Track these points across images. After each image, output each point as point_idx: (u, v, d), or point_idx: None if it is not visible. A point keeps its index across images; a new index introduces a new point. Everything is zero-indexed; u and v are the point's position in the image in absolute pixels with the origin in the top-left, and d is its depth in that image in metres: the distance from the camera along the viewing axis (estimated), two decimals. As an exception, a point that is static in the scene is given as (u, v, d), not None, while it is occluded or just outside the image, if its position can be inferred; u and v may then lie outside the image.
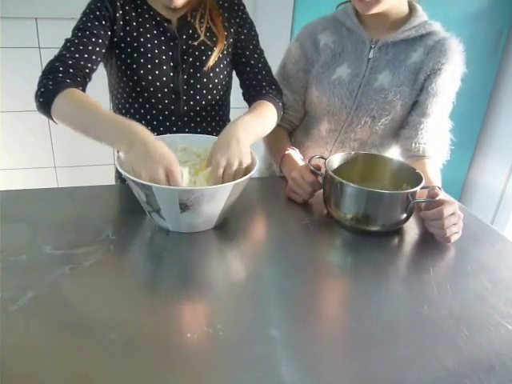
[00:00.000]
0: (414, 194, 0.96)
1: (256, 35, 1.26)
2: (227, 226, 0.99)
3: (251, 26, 1.25)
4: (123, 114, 1.24)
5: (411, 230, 1.03)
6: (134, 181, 0.86)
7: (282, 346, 0.67)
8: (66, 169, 2.36)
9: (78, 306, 0.73)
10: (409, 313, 0.76)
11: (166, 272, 0.84)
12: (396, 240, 1.00)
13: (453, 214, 0.94)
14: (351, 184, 0.96)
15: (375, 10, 1.10)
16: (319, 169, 1.07)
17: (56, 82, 1.01)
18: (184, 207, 0.87)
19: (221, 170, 0.93)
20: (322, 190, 1.07)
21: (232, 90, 1.35)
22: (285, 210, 1.09)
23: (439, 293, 0.81)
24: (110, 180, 1.44)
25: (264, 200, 1.17)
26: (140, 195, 0.91)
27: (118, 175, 1.39)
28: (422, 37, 1.17)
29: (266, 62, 1.26)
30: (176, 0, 1.07)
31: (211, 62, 1.19)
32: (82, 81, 1.06)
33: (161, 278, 0.82)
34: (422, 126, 1.18)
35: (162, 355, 0.64)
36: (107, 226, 0.95)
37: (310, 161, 1.09)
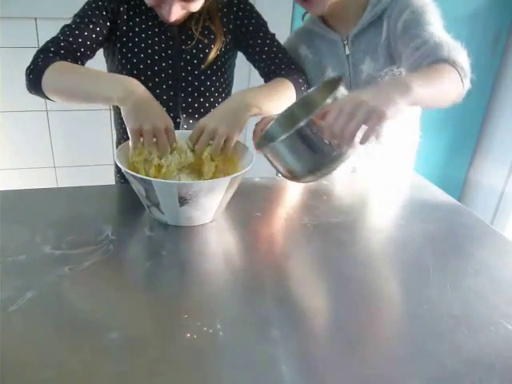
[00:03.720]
0: (308, 124, 0.80)
1: (264, 23, 1.23)
2: (225, 220, 1.00)
3: (257, 16, 1.23)
4: None
5: (410, 229, 1.02)
6: (133, 176, 0.87)
7: (282, 346, 0.67)
8: (65, 169, 2.36)
9: (78, 306, 0.73)
10: (408, 312, 0.76)
11: (165, 271, 0.84)
12: (395, 239, 0.99)
13: (349, 104, 0.75)
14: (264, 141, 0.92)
15: (326, 9, 1.10)
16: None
17: (45, 58, 1.02)
18: (183, 201, 0.89)
19: (203, 136, 0.95)
20: None
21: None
22: (282, 207, 1.09)
23: (439, 292, 0.81)
24: (110, 180, 1.44)
25: (264, 198, 1.16)
26: (139, 190, 0.92)
27: (118, 170, 1.39)
28: (385, 10, 1.12)
29: (279, 45, 1.23)
30: (171, 18, 1.07)
31: (209, 60, 1.19)
32: (71, 61, 1.06)
33: (160, 278, 0.82)
34: (413, 49, 1.02)
35: (161, 355, 0.64)
36: (107, 226, 0.95)
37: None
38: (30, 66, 1.03)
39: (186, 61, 1.19)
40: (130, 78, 0.95)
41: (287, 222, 1.04)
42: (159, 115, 0.92)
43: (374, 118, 0.73)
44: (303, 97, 1.04)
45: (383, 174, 1.34)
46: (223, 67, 1.25)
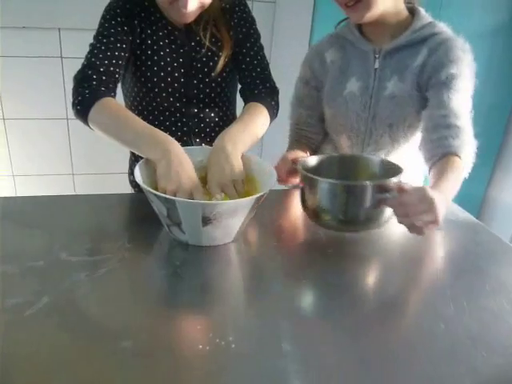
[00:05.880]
0: (381, 187, 0.89)
1: (256, 32, 1.26)
2: (245, 239, 0.99)
3: (251, 24, 1.25)
4: (137, 114, 1.26)
5: (428, 246, 1.01)
6: (155, 194, 0.86)
7: (294, 360, 0.66)
8: (83, 176, 2.39)
9: (92, 313, 0.73)
10: (424, 331, 0.75)
11: (180, 282, 0.84)
12: (412, 255, 0.98)
13: (421, 200, 0.85)
14: (309, 175, 0.94)
15: (368, 18, 1.10)
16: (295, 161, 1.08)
17: (91, 90, 1.05)
18: (207, 221, 0.87)
19: (218, 196, 0.97)
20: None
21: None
22: (299, 223, 1.09)
23: (456, 311, 0.79)
24: (127, 188, 1.45)
25: (281, 212, 1.16)
26: (160, 209, 0.90)
27: (134, 183, 1.40)
28: (425, 38, 1.15)
29: (263, 59, 1.26)
30: (186, 16, 1.09)
31: (219, 69, 1.22)
32: (113, 86, 1.09)
33: (175, 288, 0.82)
34: (435, 118, 1.11)
35: (172, 365, 0.64)
36: (123, 235, 0.96)
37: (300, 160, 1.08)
38: (77, 96, 1.05)
39: (197, 69, 1.22)
40: (167, 136, 0.98)
41: (302, 235, 1.04)
42: (186, 179, 0.94)
43: (431, 218, 0.85)
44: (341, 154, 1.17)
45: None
46: (231, 73, 1.28)
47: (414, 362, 0.68)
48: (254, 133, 1.10)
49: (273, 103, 1.21)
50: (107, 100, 1.05)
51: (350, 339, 0.73)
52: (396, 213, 0.89)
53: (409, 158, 1.29)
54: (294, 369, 0.65)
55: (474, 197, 2.76)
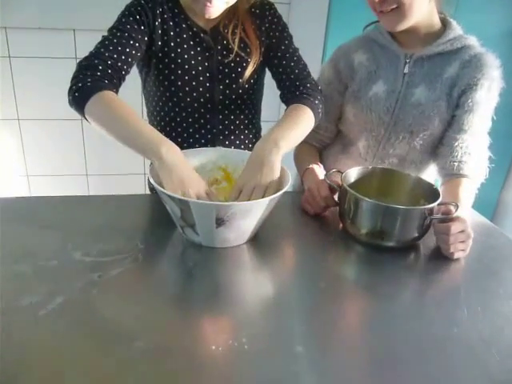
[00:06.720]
0: (430, 211, 0.95)
1: (289, 35, 1.22)
2: (258, 241, 0.99)
3: (283, 28, 1.22)
4: (159, 120, 1.27)
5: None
6: (169, 196, 0.86)
7: (306, 363, 0.66)
8: (97, 177, 2.40)
9: (105, 313, 0.74)
10: (438, 334, 0.74)
11: (193, 283, 0.84)
12: (426, 258, 0.98)
13: (462, 231, 0.93)
14: (366, 198, 0.95)
15: (401, 27, 1.10)
16: (336, 183, 1.07)
17: (94, 80, 0.99)
18: (220, 222, 0.87)
19: (245, 197, 0.93)
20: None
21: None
22: (314, 225, 1.09)
23: (470, 315, 0.79)
24: (141, 189, 1.45)
25: (294, 214, 1.16)
26: (174, 210, 0.91)
27: (151, 186, 1.40)
28: (457, 50, 1.15)
29: (299, 60, 1.22)
30: (210, 11, 1.04)
31: (247, 75, 1.19)
32: (117, 82, 1.04)
33: (188, 289, 0.83)
34: (457, 143, 1.16)
35: (185, 366, 0.64)
36: (136, 235, 0.96)
37: (327, 175, 1.09)
38: (76, 82, 0.99)
39: (224, 74, 1.19)
40: (167, 140, 0.93)
41: (316, 237, 1.03)
42: (189, 184, 0.91)
43: (463, 248, 0.96)
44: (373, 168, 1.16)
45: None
46: (259, 79, 1.25)
47: (428, 366, 0.67)
48: (298, 134, 1.07)
49: (316, 102, 1.14)
50: (108, 93, 0.98)
51: (362, 342, 0.73)
52: (438, 237, 0.98)
53: (424, 167, 1.30)
54: (307, 371, 0.65)
55: (489, 200, 2.73)
